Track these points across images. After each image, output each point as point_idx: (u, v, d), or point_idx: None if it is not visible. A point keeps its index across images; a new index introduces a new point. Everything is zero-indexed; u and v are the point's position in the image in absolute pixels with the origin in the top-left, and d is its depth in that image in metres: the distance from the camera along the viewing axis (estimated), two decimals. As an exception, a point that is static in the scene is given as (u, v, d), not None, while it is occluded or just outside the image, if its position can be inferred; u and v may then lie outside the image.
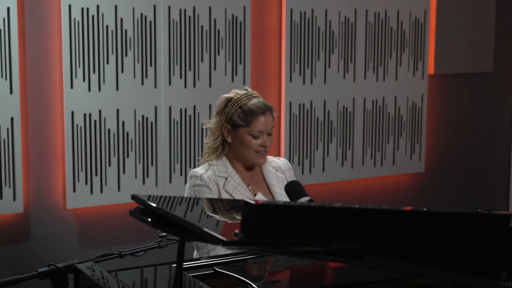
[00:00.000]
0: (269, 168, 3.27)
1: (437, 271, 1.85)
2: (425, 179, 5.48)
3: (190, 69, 4.63)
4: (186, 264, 2.40)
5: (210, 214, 2.11)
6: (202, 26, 4.63)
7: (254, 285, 2.15)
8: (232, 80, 4.74)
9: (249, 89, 3.26)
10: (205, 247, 2.90)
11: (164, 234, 2.51)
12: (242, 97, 3.18)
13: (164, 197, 2.11)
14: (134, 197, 2.03)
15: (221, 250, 2.77)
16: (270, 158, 3.31)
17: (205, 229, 1.68)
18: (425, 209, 1.95)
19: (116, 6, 4.38)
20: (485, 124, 5.67)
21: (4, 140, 4.19)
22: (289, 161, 4.05)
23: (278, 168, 3.30)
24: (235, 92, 3.23)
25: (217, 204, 2.23)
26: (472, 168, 5.63)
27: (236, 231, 1.67)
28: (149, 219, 1.91)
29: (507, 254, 1.92)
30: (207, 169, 3.13)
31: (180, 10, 4.56)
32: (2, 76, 4.14)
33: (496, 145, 5.74)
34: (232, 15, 4.70)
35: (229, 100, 3.20)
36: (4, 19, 4.13)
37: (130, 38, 4.44)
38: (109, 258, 2.46)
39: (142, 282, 2.31)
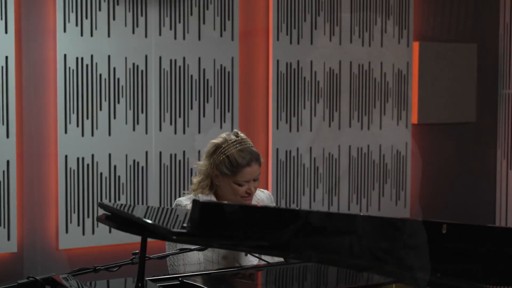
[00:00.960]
0: (253, 202, 3.33)
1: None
2: (411, 225, 5.60)
3: (180, 116, 4.84)
4: (156, 277, 2.55)
5: (169, 216, 2.28)
6: (191, 76, 4.86)
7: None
8: (221, 127, 4.95)
9: (239, 133, 3.33)
10: (177, 265, 3.05)
11: (137, 251, 2.66)
12: (230, 145, 3.24)
13: (129, 204, 2.28)
14: (100, 204, 2.20)
15: (191, 268, 2.92)
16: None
17: (156, 224, 1.86)
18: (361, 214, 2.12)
19: (109, 56, 4.62)
20: (468, 173, 5.84)
21: (0, 181, 4.39)
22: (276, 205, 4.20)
23: (261, 201, 3.37)
24: (223, 138, 3.30)
25: (180, 211, 2.39)
26: (456, 215, 5.77)
27: (185, 224, 1.85)
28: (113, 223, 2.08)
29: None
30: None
31: (171, 60, 4.80)
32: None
33: (480, 192, 5.89)
34: (221, 65, 4.94)
35: (217, 147, 3.28)
36: (2, 67, 4.37)
37: (122, 86, 4.67)
38: (85, 272, 2.62)
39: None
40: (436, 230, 2.10)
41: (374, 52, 5.40)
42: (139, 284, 1.97)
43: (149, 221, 1.92)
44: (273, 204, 3.48)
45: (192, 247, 2.88)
